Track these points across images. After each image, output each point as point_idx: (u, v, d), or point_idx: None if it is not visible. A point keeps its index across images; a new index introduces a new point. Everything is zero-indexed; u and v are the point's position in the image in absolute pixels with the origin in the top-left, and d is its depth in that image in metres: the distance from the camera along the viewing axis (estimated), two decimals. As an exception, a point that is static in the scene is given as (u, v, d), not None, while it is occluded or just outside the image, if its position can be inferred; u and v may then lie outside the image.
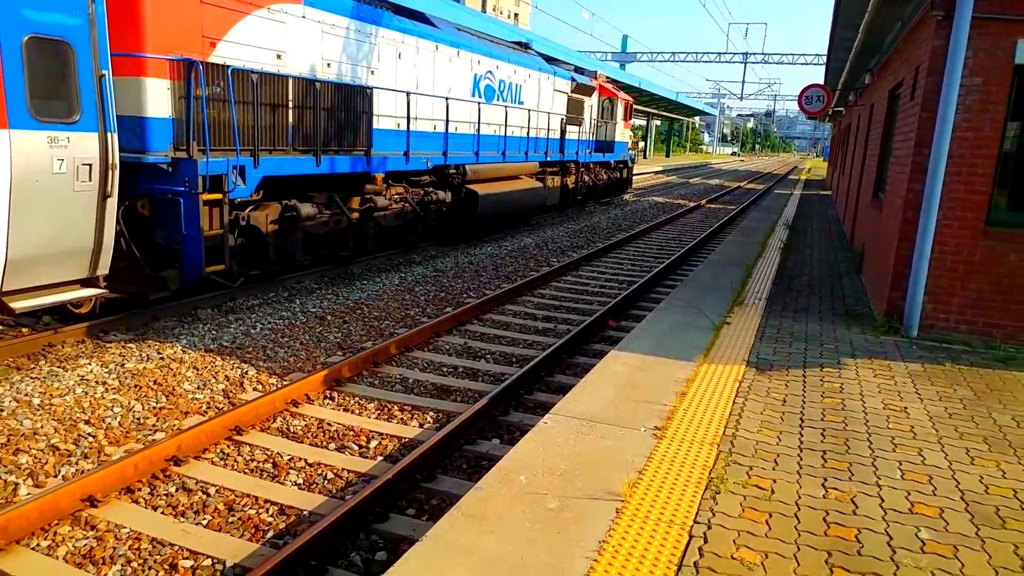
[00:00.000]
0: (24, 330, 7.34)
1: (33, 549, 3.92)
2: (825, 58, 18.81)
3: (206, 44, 7.78)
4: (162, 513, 4.36)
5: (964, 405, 5.20)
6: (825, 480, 3.90)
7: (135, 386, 6.13)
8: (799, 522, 3.44)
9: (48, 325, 7.48)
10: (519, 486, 3.62)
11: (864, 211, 11.59)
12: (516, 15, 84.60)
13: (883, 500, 3.70)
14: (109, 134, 6.57)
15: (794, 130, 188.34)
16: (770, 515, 3.49)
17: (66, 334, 7.15)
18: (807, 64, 50.81)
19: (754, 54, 53.55)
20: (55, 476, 4.71)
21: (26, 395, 5.78)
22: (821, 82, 21.43)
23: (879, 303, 7.86)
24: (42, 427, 5.30)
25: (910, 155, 7.14)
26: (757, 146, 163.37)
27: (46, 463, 4.84)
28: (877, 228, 9.24)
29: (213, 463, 4.98)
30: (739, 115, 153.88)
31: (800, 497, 3.69)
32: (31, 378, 6.13)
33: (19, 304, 6.18)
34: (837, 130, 31.36)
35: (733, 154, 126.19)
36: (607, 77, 24.12)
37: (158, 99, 7.31)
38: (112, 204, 6.67)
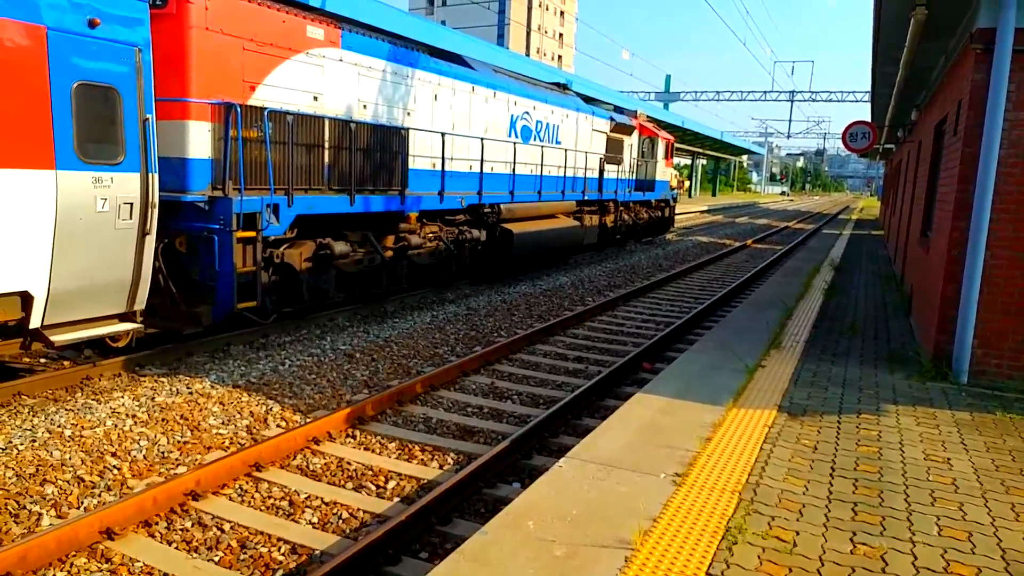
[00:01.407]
0: (66, 363, 7.58)
1: (46, 581, 3.96)
2: (870, 94, 18.51)
3: (246, 88, 8.06)
4: (176, 548, 4.37)
5: (1013, 457, 4.88)
6: (854, 534, 3.68)
7: (162, 420, 6.23)
8: (822, 579, 3.23)
9: (88, 358, 7.70)
10: (526, 531, 3.51)
11: (913, 251, 11.22)
12: (560, 57, 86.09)
13: (916, 558, 3.46)
14: (150, 175, 6.83)
15: (846, 169, 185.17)
16: (790, 569, 3.29)
17: (104, 367, 7.34)
18: (856, 101, 50.07)
19: (801, 92, 53.11)
20: (78, 507, 4.78)
21: (59, 427, 5.93)
22: (868, 119, 21.07)
23: (927, 347, 7.52)
24: (70, 458, 5.41)
25: (954, 192, 6.91)
26: (807, 185, 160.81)
27: (70, 494, 4.92)
28: (925, 268, 8.92)
29: (231, 499, 4.99)
30: (788, 154, 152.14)
31: (825, 552, 3.48)
32: (66, 410, 6.29)
33: (59, 337, 6.39)
34: (889, 168, 30.69)
35: (782, 193, 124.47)
36: (647, 116, 24.16)
37: (199, 141, 7.58)
38: (151, 241, 6.89)
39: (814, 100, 52.76)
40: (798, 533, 3.65)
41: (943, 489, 4.30)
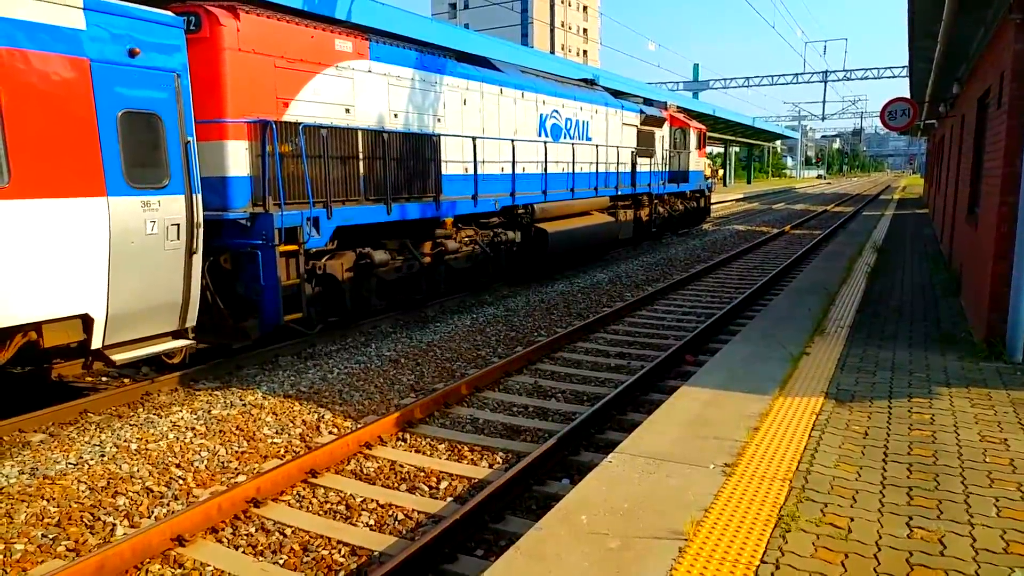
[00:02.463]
0: (126, 380, 7.89)
1: (124, 588, 4.15)
2: (908, 70, 18.08)
3: (280, 104, 8.27)
4: (243, 552, 4.54)
5: (1074, 434, 4.75)
6: (910, 518, 3.65)
7: (220, 431, 6.44)
8: (879, 563, 3.23)
9: (146, 375, 8.00)
10: (579, 526, 3.57)
11: (960, 228, 10.96)
12: (585, 52, 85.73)
13: (975, 540, 3.43)
14: (194, 195, 7.06)
15: (886, 147, 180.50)
16: (846, 555, 3.28)
17: (161, 383, 7.62)
18: (893, 77, 48.73)
19: (834, 71, 51.90)
20: (149, 517, 5.00)
21: (125, 441, 6.18)
22: (907, 95, 20.56)
23: (978, 327, 7.37)
24: (138, 471, 5.64)
25: (1001, 166, 6.75)
26: (845, 167, 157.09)
27: (141, 504, 5.14)
28: (973, 246, 8.72)
29: (290, 505, 5.15)
30: (823, 136, 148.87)
31: (881, 536, 3.46)
32: (130, 425, 6.56)
33: (119, 357, 6.66)
34: (932, 144, 29.89)
35: (819, 177, 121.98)
36: (678, 107, 23.92)
37: (238, 159, 7.80)
38: (197, 260, 7.13)
39: (849, 79, 51.55)
40: (852, 519, 3.63)
41: (1000, 470, 4.22)
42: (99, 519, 4.92)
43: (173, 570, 4.34)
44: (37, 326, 6.00)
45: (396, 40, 10.71)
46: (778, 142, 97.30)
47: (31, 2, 5.67)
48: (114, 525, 4.85)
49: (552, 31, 75.31)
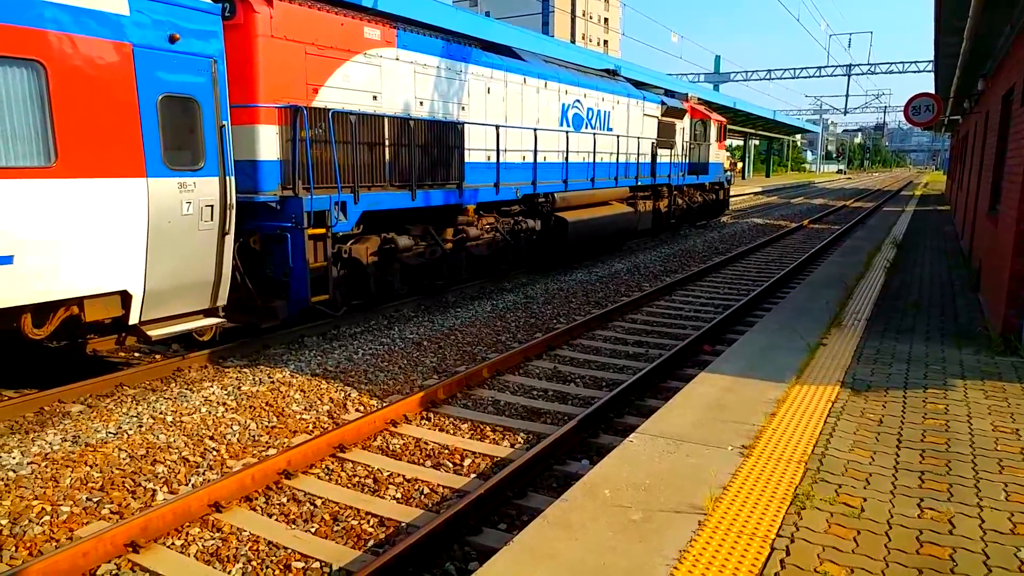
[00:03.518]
0: (157, 357, 8.15)
1: (169, 547, 4.40)
2: (933, 65, 17.96)
3: (309, 90, 8.46)
4: (276, 520, 4.76)
5: (1086, 427, 4.86)
6: (921, 500, 3.79)
7: (250, 407, 6.67)
8: (890, 540, 3.37)
9: (177, 352, 8.25)
10: (603, 499, 3.74)
11: (981, 225, 10.98)
12: (606, 42, 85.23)
13: (983, 521, 3.57)
14: (228, 178, 7.27)
15: (909, 142, 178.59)
16: (858, 532, 3.44)
17: (192, 360, 7.86)
18: (919, 72, 48.16)
19: (858, 65, 51.32)
20: (186, 484, 5.24)
21: (161, 413, 6.43)
22: (931, 90, 20.40)
23: (996, 323, 7.44)
24: (174, 441, 5.89)
25: (1022, 164, 6.81)
26: (866, 162, 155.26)
27: (178, 473, 5.38)
28: (993, 243, 8.77)
29: (319, 477, 5.37)
30: (845, 130, 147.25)
31: (892, 516, 3.61)
32: (164, 398, 6.81)
33: (155, 332, 6.90)
34: (955, 140, 29.62)
35: (839, 171, 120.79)
36: (699, 99, 23.90)
37: (268, 143, 8.01)
38: (229, 240, 7.34)
39: (873, 73, 50.96)
40: (865, 500, 3.77)
41: (1011, 458, 4.34)
42: (140, 485, 5.16)
43: (211, 533, 4.57)
44: (79, 301, 6.25)
45: (422, 28, 10.85)
46: (798, 136, 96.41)
47: (79, -12, 5.87)
48: (154, 491, 5.09)
49: (573, 20, 74.98)
